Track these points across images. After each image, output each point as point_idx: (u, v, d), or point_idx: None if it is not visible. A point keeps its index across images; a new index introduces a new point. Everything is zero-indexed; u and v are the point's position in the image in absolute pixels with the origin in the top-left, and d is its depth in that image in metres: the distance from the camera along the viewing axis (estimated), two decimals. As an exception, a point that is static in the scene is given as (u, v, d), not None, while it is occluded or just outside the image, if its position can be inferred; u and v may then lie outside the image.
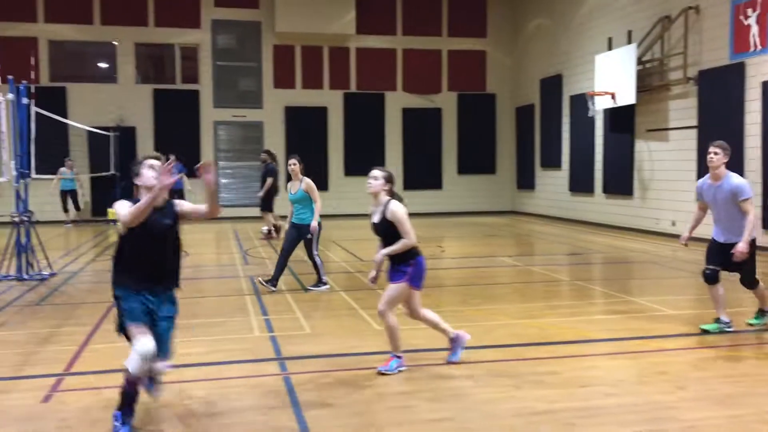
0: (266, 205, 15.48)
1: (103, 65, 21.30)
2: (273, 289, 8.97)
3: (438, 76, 22.86)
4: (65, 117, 17.77)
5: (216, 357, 6.06)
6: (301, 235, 9.07)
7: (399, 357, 5.58)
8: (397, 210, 5.46)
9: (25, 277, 10.03)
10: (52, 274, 10.45)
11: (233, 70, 21.84)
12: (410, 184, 22.45)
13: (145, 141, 20.85)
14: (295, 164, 9.08)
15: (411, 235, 5.45)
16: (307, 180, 9.06)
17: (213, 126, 21.57)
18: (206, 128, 21.46)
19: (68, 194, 18.99)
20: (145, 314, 4.35)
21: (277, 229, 15.43)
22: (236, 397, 5.04)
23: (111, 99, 20.57)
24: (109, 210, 19.68)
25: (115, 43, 20.81)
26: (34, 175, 10.70)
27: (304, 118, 21.84)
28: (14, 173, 10.15)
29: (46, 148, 16.36)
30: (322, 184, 21.80)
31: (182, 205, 4.52)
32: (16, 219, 10.11)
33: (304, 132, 21.78)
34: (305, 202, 9.03)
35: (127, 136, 20.42)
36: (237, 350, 6.30)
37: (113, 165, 19.85)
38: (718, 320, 6.74)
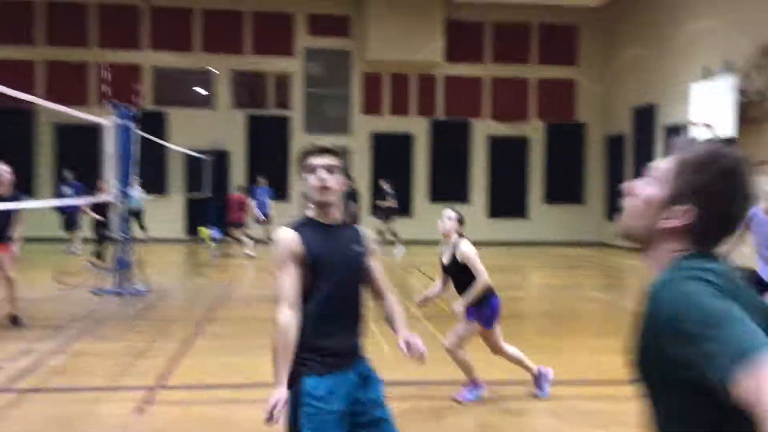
0: None
1: (201, 91, 22.29)
2: None
3: (526, 105, 22.69)
4: (165, 141, 18.67)
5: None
6: None
7: (478, 386, 5.55)
8: (467, 250, 5.41)
9: (124, 292, 10.54)
10: (148, 291, 10.94)
11: (323, 97, 22.44)
12: (495, 212, 22.32)
13: (237, 165, 21.64)
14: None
15: (484, 273, 5.37)
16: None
17: (302, 151, 22.13)
18: (296, 153, 22.04)
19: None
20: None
21: None
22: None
23: (207, 124, 21.48)
24: (200, 228, 20.48)
25: (213, 70, 21.78)
26: (136, 195, 11.27)
27: (390, 144, 22.12)
28: (118, 193, 10.74)
29: (146, 171, 17.30)
30: (407, 210, 22.03)
31: (372, 247, 3.11)
32: (118, 236, 10.68)
33: (391, 158, 22.04)
34: None
35: (221, 159, 21.25)
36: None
37: (207, 187, 20.65)
38: None
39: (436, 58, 21.67)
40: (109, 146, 10.75)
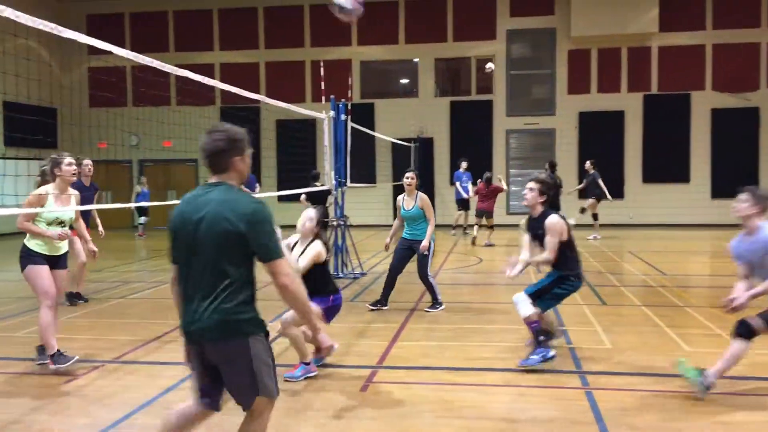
0: None
1: (405, 81, 22.86)
2: (383, 308, 8.52)
3: (755, 72, 20.45)
4: (373, 130, 19.40)
5: (515, 364, 6.10)
6: (413, 252, 8.43)
7: (307, 363, 5.69)
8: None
9: (341, 275, 11.15)
10: (363, 274, 11.47)
11: (527, 78, 21.95)
12: (719, 191, 20.42)
13: (441, 151, 21.93)
14: (412, 179, 8.41)
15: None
16: (423, 195, 8.38)
17: (505, 134, 21.88)
18: (498, 137, 21.84)
19: None
20: None
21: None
22: (538, 406, 5.02)
23: (412, 112, 21.98)
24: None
25: (416, 60, 22.21)
26: (349, 184, 11.83)
27: (599, 123, 21.10)
28: (333, 182, 11.37)
29: (356, 160, 18.16)
30: (618, 192, 20.90)
31: None
32: (334, 223, 11.30)
33: (599, 138, 21.01)
34: (420, 219, 8.34)
35: (425, 146, 21.65)
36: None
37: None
38: None
39: (650, 28, 20.26)
40: (326, 139, 11.38)
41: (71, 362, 5.90)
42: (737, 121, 20.44)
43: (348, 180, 11.75)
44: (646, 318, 8.05)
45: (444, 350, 6.65)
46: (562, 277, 6.07)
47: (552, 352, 5.83)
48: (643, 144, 21.06)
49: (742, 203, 5.09)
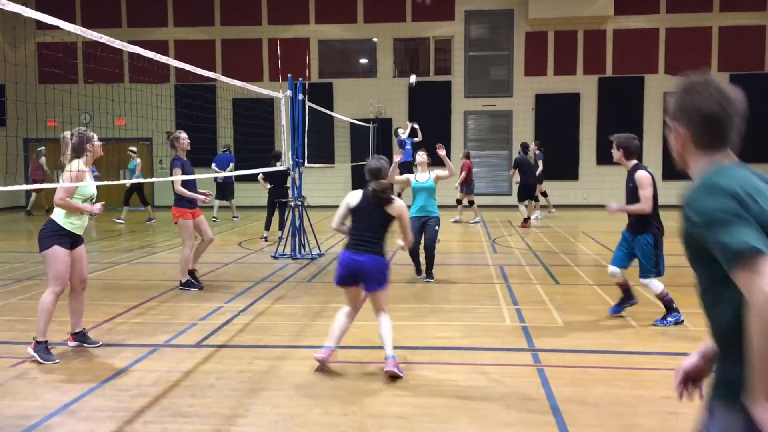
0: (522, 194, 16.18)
1: (364, 61, 22.74)
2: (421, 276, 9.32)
3: (707, 56, 20.88)
4: (331, 110, 19.28)
5: (470, 342, 6.19)
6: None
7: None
8: None
9: (298, 256, 11.11)
10: (321, 254, 11.45)
11: (485, 60, 22.03)
12: (670, 173, 20.89)
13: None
14: (425, 152, 9.56)
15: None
16: (435, 170, 9.40)
17: (463, 116, 21.98)
18: (457, 118, 21.93)
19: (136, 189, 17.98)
20: None
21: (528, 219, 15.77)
22: (491, 383, 5.11)
23: (371, 92, 21.90)
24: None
25: (375, 39, 22.09)
26: (307, 164, 11.75)
27: (555, 105, 21.34)
28: (291, 162, 11.28)
29: (315, 140, 18.03)
30: (572, 173, 21.26)
31: None
32: (292, 203, 11.23)
33: (555, 120, 21.28)
34: (434, 192, 9.25)
35: (384, 127, 21.61)
36: (489, 337, 6.37)
37: (372, 154, 21.14)
38: None
39: (606, 11, 20.51)
40: (284, 118, 11.26)
41: (51, 362, 5.69)
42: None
43: (305, 160, 11.67)
44: (597, 297, 8.23)
45: (401, 330, 6.68)
46: (655, 237, 7.07)
47: (681, 317, 6.67)
48: (598, 126, 21.38)
49: None
